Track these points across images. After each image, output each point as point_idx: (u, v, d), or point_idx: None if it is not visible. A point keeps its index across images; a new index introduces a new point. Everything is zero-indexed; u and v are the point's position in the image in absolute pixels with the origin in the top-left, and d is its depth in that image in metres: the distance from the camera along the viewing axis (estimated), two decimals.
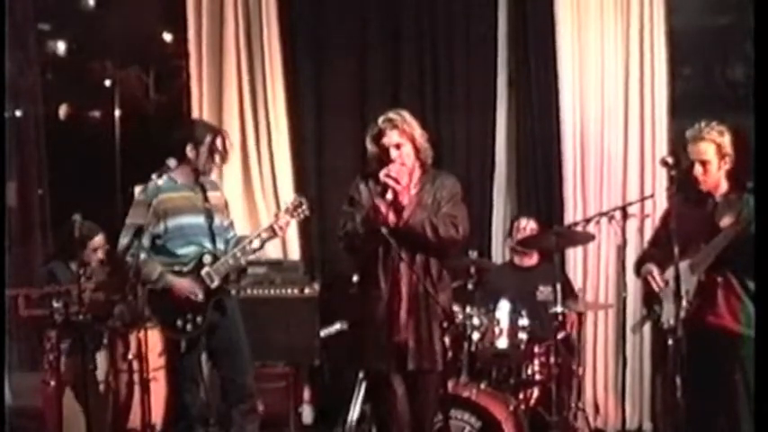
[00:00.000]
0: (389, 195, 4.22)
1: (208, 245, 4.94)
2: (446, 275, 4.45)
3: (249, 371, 5.07)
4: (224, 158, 5.06)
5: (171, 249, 4.91)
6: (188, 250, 4.90)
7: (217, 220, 4.99)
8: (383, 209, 4.22)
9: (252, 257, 5.22)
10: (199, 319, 4.87)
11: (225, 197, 5.23)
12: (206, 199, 5.00)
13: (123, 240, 4.87)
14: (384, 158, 4.32)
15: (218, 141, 4.96)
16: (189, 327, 4.86)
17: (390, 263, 4.29)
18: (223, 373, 5.06)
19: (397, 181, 4.21)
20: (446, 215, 4.31)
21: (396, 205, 4.24)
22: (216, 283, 4.88)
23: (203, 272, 4.86)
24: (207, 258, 4.89)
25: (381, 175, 4.24)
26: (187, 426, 4.99)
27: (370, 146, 4.40)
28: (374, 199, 4.29)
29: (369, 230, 4.23)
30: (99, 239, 5.69)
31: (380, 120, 4.38)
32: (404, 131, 4.33)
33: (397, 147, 4.31)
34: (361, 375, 5.36)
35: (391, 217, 4.24)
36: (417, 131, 4.38)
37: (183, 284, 4.84)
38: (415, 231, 4.26)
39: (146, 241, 4.80)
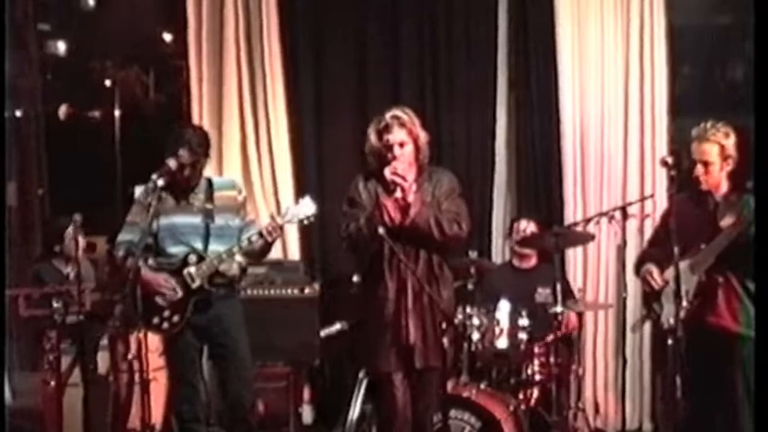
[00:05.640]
0: (398, 193, 4.23)
1: (198, 245, 4.88)
2: (449, 273, 4.47)
3: (247, 374, 4.99)
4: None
5: (163, 248, 4.88)
6: (177, 250, 4.87)
7: (220, 221, 4.94)
8: (390, 207, 4.24)
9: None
10: (176, 317, 4.82)
11: (242, 196, 5.11)
12: (210, 199, 4.97)
13: (119, 237, 4.91)
14: (385, 154, 4.33)
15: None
16: (165, 324, 4.83)
17: (396, 262, 4.29)
18: (220, 376, 5.03)
19: (404, 178, 4.23)
20: (448, 212, 4.33)
21: (403, 203, 4.25)
22: (197, 284, 4.82)
23: (185, 272, 4.82)
24: (192, 258, 4.84)
25: (388, 172, 4.25)
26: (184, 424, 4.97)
27: (373, 139, 4.38)
28: (379, 198, 4.29)
29: (374, 230, 4.21)
30: (73, 230, 5.70)
31: (388, 115, 4.37)
32: (410, 131, 4.35)
33: (401, 145, 4.33)
34: (361, 375, 5.37)
35: (398, 215, 4.26)
36: (421, 133, 4.40)
37: (157, 280, 4.80)
38: (422, 229, 4.27)
39: (138, 238, 4.74)
